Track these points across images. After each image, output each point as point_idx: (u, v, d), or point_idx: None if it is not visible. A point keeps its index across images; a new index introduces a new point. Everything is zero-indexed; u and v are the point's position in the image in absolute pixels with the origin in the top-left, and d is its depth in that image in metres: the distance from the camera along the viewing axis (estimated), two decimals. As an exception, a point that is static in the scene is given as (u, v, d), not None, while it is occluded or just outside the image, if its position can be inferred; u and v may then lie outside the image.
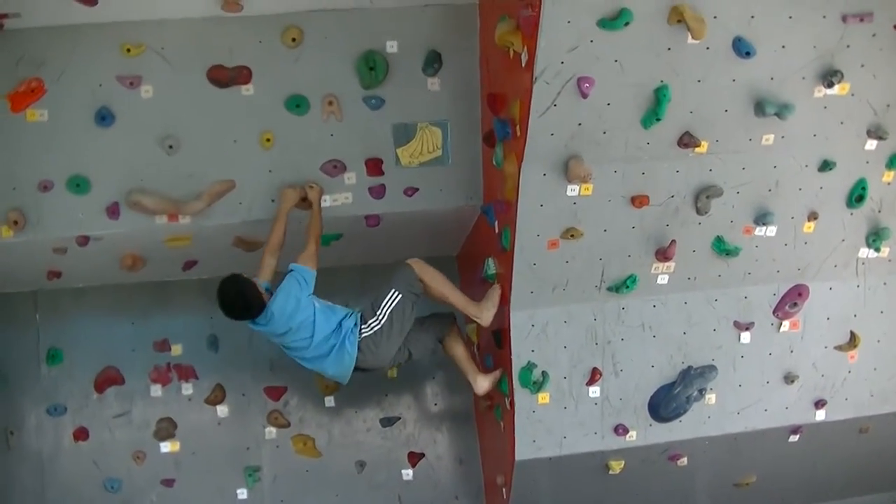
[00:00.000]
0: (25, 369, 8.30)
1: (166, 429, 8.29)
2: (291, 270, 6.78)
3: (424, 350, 7.24)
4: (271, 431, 8.44)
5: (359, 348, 6.80)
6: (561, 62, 5.77)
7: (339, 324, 6.82)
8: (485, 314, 6.98)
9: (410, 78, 7.08)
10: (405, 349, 7.05)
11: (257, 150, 7.02)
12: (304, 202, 7.00)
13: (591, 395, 7.06)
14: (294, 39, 6.93)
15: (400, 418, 8.59)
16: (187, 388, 8.31)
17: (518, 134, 6.20)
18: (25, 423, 8.37)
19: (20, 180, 6.91)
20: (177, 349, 8.25)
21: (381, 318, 6.82)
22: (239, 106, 6.98)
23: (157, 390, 8.30)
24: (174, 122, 6.96)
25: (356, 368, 6.89)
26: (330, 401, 8.48)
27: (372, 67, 6.97)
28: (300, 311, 6.72)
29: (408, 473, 8.57)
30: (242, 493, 8.42)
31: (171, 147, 6.94)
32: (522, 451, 7.07)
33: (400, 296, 6.86)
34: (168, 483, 8.39)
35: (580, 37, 5.70)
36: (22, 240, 6.98)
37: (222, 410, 8.40)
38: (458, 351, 7.29)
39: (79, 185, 6.92)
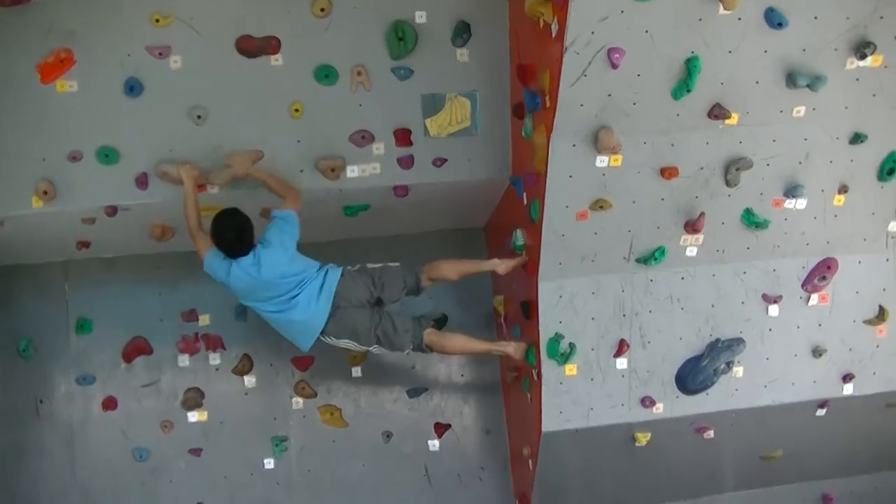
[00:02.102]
0: (55, 339, 8.37)
1: (194, 398, 8.34)
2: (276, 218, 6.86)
3: (403, 330, 7.11)
4: (298, 401, 8.48)
5: (336, 293, 6.87)
6: (591, 32, 5.74)
7: (321, 267, 6.97)
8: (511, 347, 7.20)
9: (439, 48, 7.04)
10: (381, 323, 7.03)
11: (286, 121, 7.01)
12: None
13: (618, 366, 7.05)
14: (323, 9, 6.90)
15: (427, 389, 8.61)
16: (215, 359, 8.35)
17: (547, 105, 6.17)
18: (55, 393, 8.44)
19: (50, 151, 6.94)
20: (204, 319, 8.29)
21: (368, 269, 7.02)
22: (268, 76, 6.97)
23: (184, 360, 8.35)
24: (203, 92, 6.95)
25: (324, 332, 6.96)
26: (357, 371, 8.51)
27: (401, 38, 6.94)
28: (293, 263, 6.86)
29: (434, 444, 8.60)
30: (269, 463, 8.47)
31: (199, 117, 6.94)
32: (549, 423, 7.08)
33: (397, 265, 7.05)
34: (195, 452, 8.45)
35: (611, 7, 5.66)
36: (51, 210, 7.03)
37: (249, 381, 8.45)
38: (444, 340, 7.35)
39: (108, 155, 6.95)
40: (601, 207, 6.53)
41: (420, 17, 6.98)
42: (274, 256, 6.71)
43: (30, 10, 6.79)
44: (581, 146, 6.26)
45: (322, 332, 6.93)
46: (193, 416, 8.42)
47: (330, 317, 6.86)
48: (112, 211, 7.15)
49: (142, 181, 6.97)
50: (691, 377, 7.08)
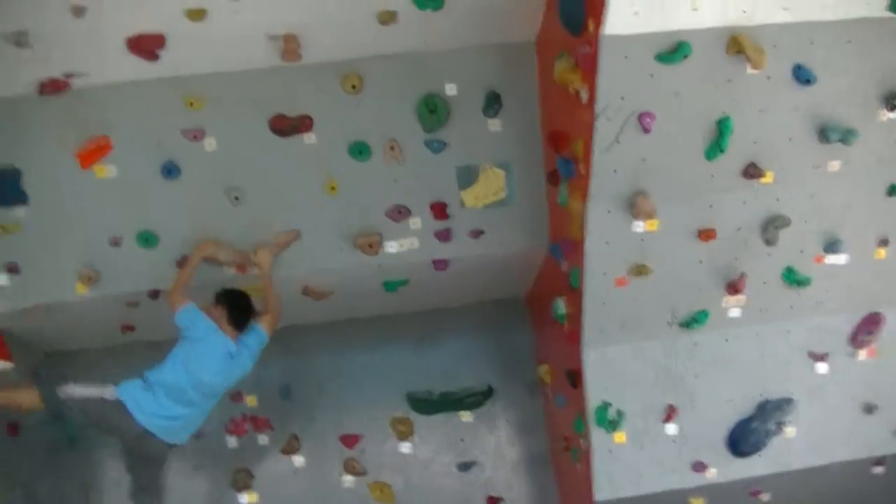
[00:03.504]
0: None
1: (244, 479, 8.33)
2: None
3: None
4: (348, 479, 8.44)
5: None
6: (621, 98, 5.78)
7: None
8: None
9: (471, 120, 7.05)
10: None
11: (322, 198, 7.05)
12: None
13: (667, 432, 6.99)
14: (354, 86, 6.97)
15: (476, 462, 8.54)
16: (263, 439, 8.35)
17: (582, 172, 6.18)
18: (105, 479, 8.48)
19: (92, 237, 7.03)
20: (251, 400, 8.30)
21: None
22: (302, 154, 7.02)
23: (233, 441, 8.35)
24: (239, 172, 7.02)
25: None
26: (406, 447, 8.46)
27: (432, 110, 6.98)
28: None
29: (487, 518, 8.53)
30: (322, 542, 8.44)
31: (236, 198, 7.00)
32: (601, 492, 7.01)
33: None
34: (248, 533, 8.43)
35: (639, 72, 5.70)
36: (96, 295, 7.10)
37: (298, 460, 8.42)
38: None
39: (147, 239, 7.03)
40: (640, 273, 6.51)
41: (451, 90, 7.01)
42: (242, 363, 6.76)
43: (68, 98, 6.91)
44: (617, 212, 6.26)
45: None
46: (244, 498, 8.40)
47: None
48: (155, 294, 7.22)
49: (182, 263, 7.00)
50: (743, 440, 7.00)
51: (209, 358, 6.61)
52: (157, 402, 6.56)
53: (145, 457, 6.73)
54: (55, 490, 8.38)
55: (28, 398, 6.58)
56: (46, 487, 8.32)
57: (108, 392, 6.57)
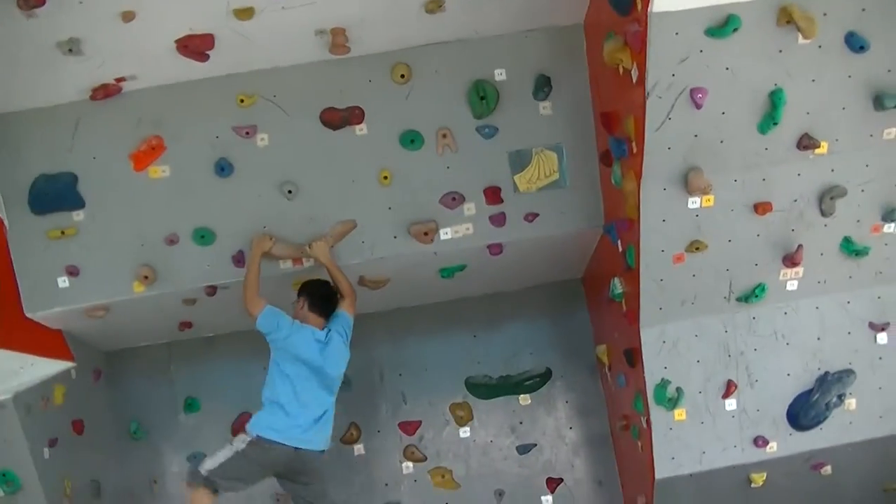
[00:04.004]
0: (165, 419, 8.54)
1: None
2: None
3: None
4: (408, 466, 8.49)
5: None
6: (672, 75, 5.77)
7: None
8: None
9: (522, 104, 7.07)
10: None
11: (376, 189, 7.08)
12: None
13: (727, 408, 6.96)
14: (403, 76, 7.00)
15: (536, 444, 8.56)
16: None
17: (634, 151, 6.18)
18: (168, 471, 8.60)
19: (148, 236, 7.11)
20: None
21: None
22: (354, 146, 7.06)
23: (294, 432, 8.39)
24: (292, 167, 7.07)
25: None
26: (465, 431, 8.51)
27: (483, 97, 6.99)
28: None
29: (548, 499, 8.53)
30: (384, 529, 8.50)
31: (290, 192, 7.05)
32: (662, 469, 7.01)
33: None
34: (311, 522, 8.48)
35: (689, 47, 5.70)
36: (153, 294, 7.18)
37: (358, 448, 8.49)
38: None
39: (203, 236, 7.09)
40: (697, 249, 6.48)
41: (500, 75, 7.03)
42: (339, 347, 6.81)
43: (119, 102, 7.00)
44: (672, 189, 6.25)
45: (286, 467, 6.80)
46: (306, 488, 8.47)
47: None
48: (212, 290, 7.28)
49: (238, 259, 7.08)
50: (803, 413, 6.97)
51: (305, 354, 6.67)
52: (289, 417, 6.65)
53: (305, 476, 6.78)
54: (121, 483, 8.52)
55: (204, 499, 6.63)
56: (113, 481, 8.44)
57: (240, 440, 6.66)
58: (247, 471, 6.68)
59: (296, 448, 6.63)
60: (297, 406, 6.66)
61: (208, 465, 6.62)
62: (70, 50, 6.38)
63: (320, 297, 6.87)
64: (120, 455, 8.48)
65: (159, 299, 7.29)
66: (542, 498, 8.52)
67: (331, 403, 6.86)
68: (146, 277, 7.08)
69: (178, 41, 6.56)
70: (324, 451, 6.88)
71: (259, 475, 6.81)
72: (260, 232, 7.01)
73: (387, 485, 8.52)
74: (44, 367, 7.61)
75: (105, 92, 6.91)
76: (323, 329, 6.80)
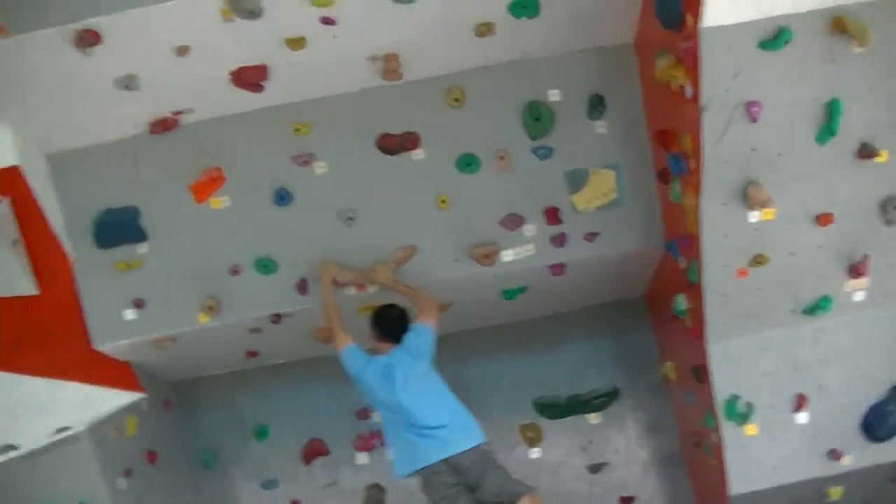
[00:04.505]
0: (235, 447, 8.63)
1: (376, 496, 8.43)
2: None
3: None
4: (480, 488, 8.47)
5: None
6: (726, 90, 5.72)
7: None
8: None
9: (576, 124, 7.04)
10: None
11: (434, 213, 7.10)
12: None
13: (799, 421, 6.84)
14: (457, 99, 7.02)
15: (607, 463, 8.51)
16: (391, 454, 8.41)
17: (692, 167, 6.14)
18: (240, 499, 8.69)
19: (211, 266, 7.20)
20: (377, 416, 8.34)
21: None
22: (411, 171, 7.09)
23: (362, 458, 8.47)
24: (350, 194, 7.12)
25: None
26: (535, 452, 8.50)
27: (537, 118, 6.98)
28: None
29: (621, 519, 8.49)
30: (460, 553, 8.46)
31: (350, 219, 7.09)
32: (736, 486, 6.92)
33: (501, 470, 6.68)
34: (383, 547, 8.51)
35: (742, 61, 5.64)
36: (218, 324, 7.27)
37: (428, 473, 8.49)
38: None
39: (266, 265, 7.16)
40: (759, 263, 6.40)
41: (553, 96, 7.01)
42: (402, 361, 6.61)
43: (178, 135, 7.12)
44: (731, 204, 6.18)
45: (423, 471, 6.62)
46: (381, 512, 8.52)
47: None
48: (276, 319, 7.35)
49: (301, 287, 7.14)
50: (877, 424, 6.84)
51: (377, 391, 6.59)
52: (408, 441, 6.54)
53: (471, 476, 6.52)
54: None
55: None
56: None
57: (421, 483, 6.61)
58: (452, 500, 6.49)
59: (445, 460, 6.47)
60: (407, 428, 6.53)
61: None
62: (127, 86, 6.49)
63: (385, 323, 6.78)
64: (193, 484, 8.57)
65: (224, 329, 7.37)
66: (616, 517, 8.48)
67: (443, 403, 6.63)
68: (211, 308, 7.16)
69: (232, 73, 6.64)
70: (479, 444, 6.63)
71: (457, 489, 6.55)
72: (323, 260, 7.06)
73: (458, 508, 8.51)
74: (115, 399, 7.73)
75: (163, 125, 7.02)
76: (386, 354, 6.69)
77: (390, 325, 6.77)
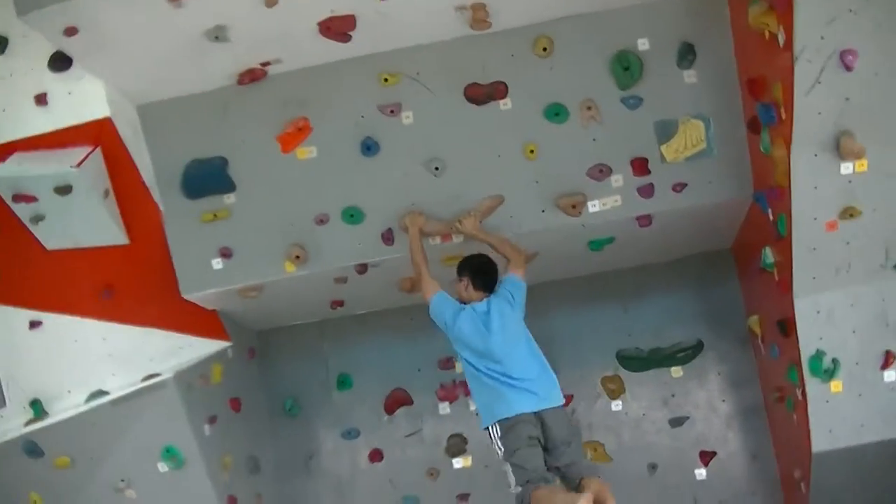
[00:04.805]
0: (318, 396, 8.75)
1: (458, 444, 8.48)
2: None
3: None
4: (561, 439, 8.50)
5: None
6: (821, 37, 5.63)
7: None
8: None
9: (666, 73, 6.96)
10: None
11: (522, 163, 7.08)
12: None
13: (886, 379, 6.75)
14: (545, 49, 6.97)
15: (688, 417, 8.49)
16: (474, 404, 8.47)
17: (783, 117, 6.05)
18: (322, 448, 8.81)
19: (297, 216, 7.27)
20: (461, 365, 8.39)
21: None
22: (499, 121, 7.07)
23: (445, 408, 8.53)
24: (437, 143, 7.12)
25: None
26: (617, 404, 8.50)
27: (626, 67, 6.92)
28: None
29: (701, 473, 8.45)
30: (537, 503, 8.51)
31: (436, 169, 7.10)
32: (819, 443, 6.86)
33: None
34: (463, 498, 8.60)
35: (837, 7, 5.55)
36: (304, 273, 7.34)
37: (512, 422, 8.53)
38: None
39: (353, 215, 7.20)
40: (851, 216, 6.32)
41: (643, 45, 6.94)
42: (502, 309, 6.61)
43: (265, 86, 7.17)
44: (823, 155, 6.09)
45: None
46: (458, 463, 8.58)
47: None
48: (362, 269, 7.39)
49: (388, 237, 7.18)
50: (968, 384, 6.75)
51: (470, 337, 6.56)
52: (501, 395, 6.48)
53: (554, 435, 6.48)
54: (278, 459, 8.80)
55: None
56: (270, 456, 8.73)
57: (498, 450, 6.54)
58: (530, 454, 6.39)
59: (534, 413, 6.43)
60: (501, 382, 6.49)
61: (515, 481, 6.42)
62: (216, 37, 6.54)
63: (482, 273, 6.79)
64: (276, 432, 8.71)
65: (310, 278, 7.43)
66: (696, 471, 8.45)
67: (534, 357, 6.62)
68: (297, 257, 7.22)
69: (320, 23, 6.65)
70: (562, 404, 6.65)
71: (536, 443, 6.47)
72: (410, 210, 7.09)
73: (539, 459, 8.55)
74: (201, 347, 7.89)
75: (251, 76, 7.07)
76: (484, 301, 6.68)
77: (487, 274, 6.79)
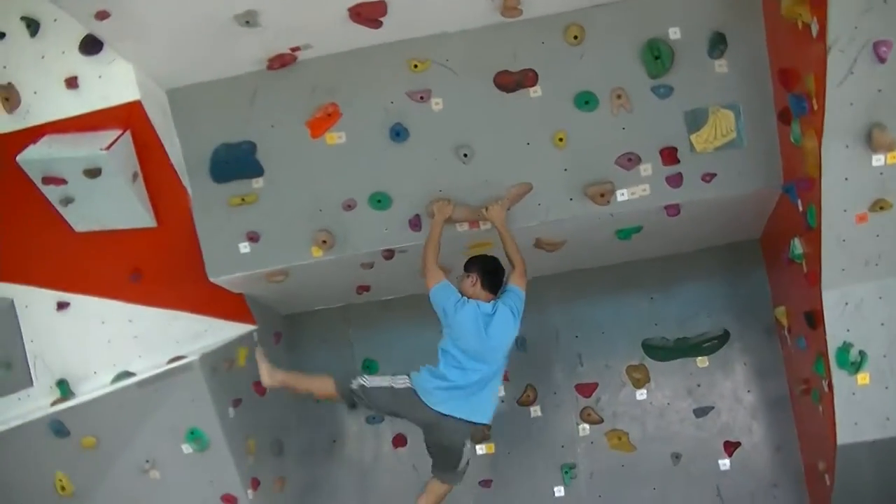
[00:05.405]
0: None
1: (480, 431, 8.48)
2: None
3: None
4: (585, 428, 8.54)
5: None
6: (854, 27, 5.61)
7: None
8: None
9: (697, 62, 6.91)
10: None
11: (551, 151, 7.06)
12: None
13: (913, 372, 6.75)
14: (576, 37, 6.94)
15: (713, 407, 8.48)
16: (500, 390, 8.48)
17: (815, 108, 6.02)
18: (346, 433, 8.89)
19: (325, 201, 7.27)
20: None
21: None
22: (528, 108, 7.05)
23: (470, 394, 8.50)
24: (466, 130, 7.11)
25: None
26: (642, 394, 8.51)
27: (657, 56, 6.88)
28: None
29: (725, 463, 8.45)
30: (560, 491, 8.57)
31: (465, 155, 7.09)
32: (844, 435, 6.83)
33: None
34: (485, 484, 8.65)
35: (873, -1, 5.51)
36: (331, 258, 7.35)
37: (535, 410, 8.58)
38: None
39: (380, 200, 7.21)
40: (881, 208, 6.27)
41: (674, 34, 6.89)
42: (506, 320, 6.68)
43: (294, 72, 7.16)
44: (855, 147, 6.05)
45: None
46: (482, 449, 8.62)
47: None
48: (389, 254, 7.41)
49: (415, 223, 7.18)
50: None
51: (467, 329, 6.62)
52: (446, 384, 6.64)
53: (443, 443, 6.80)
54: (303, 443, 8.88)
55: (325, 389, 6.86)
56: (294, 440, 8.80)
57: (399, 381, 6.73)
58: (387, 405, 6.79)
59: (442, 415, 6.63)
60: (457, 376, 6.64)
61: (363, 381, 6.74)
62: (247, 22, 6.52)
63: (492, 275, 6.83)
64: (301, 416, 8.76)
65: (337, 263, 7.45)
66: (720, 462, 8.44)
67: (492, 376, 6.77)
68: (324, 242, 7.23)
69: (350, 9, 6.63)
70: (481, 424, 6.87)
71: (393, 414, 6.98)
72: (438, 196, 7.09)
73: (563, 446, 8.59)
74: (227, 330, 7.94)
75: (281, 62, 7.06)
76: (490, 303, 6.74)
77: (495, 276, 6.84)
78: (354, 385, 6.72)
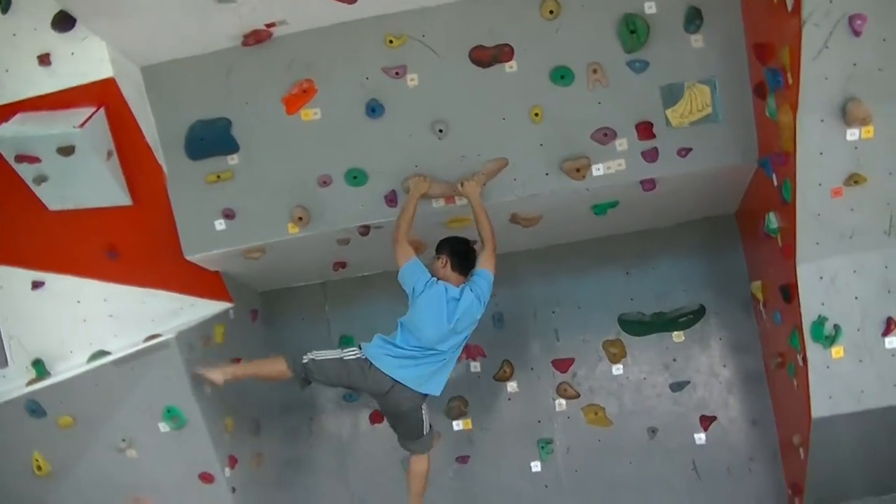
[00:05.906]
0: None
1: (458, 407, 8.53)
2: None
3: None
4: (561, 403, 8.57)
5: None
6: (829, 1, 5.60)
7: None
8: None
9: (672, 37, 6.89)
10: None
11: (527, 126, 7.04)
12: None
13: (887, 346, 6.73)
14: (552, 11, 6.91)
15: (689, 382, 8.52)
16: (476, 366, 8.52)
17: (790, 82, 6.02)
18: (324, 410, 8.90)
19: (301, 178, 7.24)
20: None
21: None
22: (504, 83, 7.02)
23: (448, 371, 8.52)
24: (442, 106, 7.08)
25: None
26: (618, 369, 8.53)
27: (633, 30, 6.86)
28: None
29: (701, 437, 8.49)
30: (536, 466, 8.60)
31: (441, 131, 7.07)
32: (819, 409, 6.85)
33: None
34: (463, 460, 8.67)
35: (847, -29, 5.52)
36: (307, 234, 7.33)
37: (511, 386, 8.60)
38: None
39: (356, 177, 7.19)
40: (856, 182, 6.28)
41: (650, 8, 6.86)
42: (471, 304, 6.74)
43: (270, 48, 7.11)
44: (829, 121, 6.06)
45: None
46: (458, 425, 8.64)
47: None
48: (365, 230, 7.40)
49: (391, 199, 7.17)
50: (970, 350, 6.75)
51: (432, 310, 6.68)
52: (400, 353, 6.74)
53: (399, 410, 6.93)
54: (280, 421, 8.89)
55: (277, 368, 6.95)
56: (272, 419, 8.78)
57: (349, 352, 6.81)
58: (338, 377, 6.88)
59: (397, 382, 6.73)
60: (409, 348, 6.75)
61: (313, 356, 6.85)
62: (221, -1, 6.49)
63: (462, 257, 6.89)
64: (278, 394, 8.71)
65: (313, 240, 7.44)
66: (696, 436, 8.49)
67: (453, 358, 6.91)
68: (300, 219, 7.21)
69: (325, -16, 6.61)
70: (426, 395, 6.94)
71: (346, 386, 7.14)
72: (414, 172, 7.08)
73: (539, 422, 8.62)
74: (204, 308, 7.91)
75: (256, 38, 7.01)
76: (459, 287, 6.79)
77: (466, 258, 6.90)
78: (305, 359, 6.82)
